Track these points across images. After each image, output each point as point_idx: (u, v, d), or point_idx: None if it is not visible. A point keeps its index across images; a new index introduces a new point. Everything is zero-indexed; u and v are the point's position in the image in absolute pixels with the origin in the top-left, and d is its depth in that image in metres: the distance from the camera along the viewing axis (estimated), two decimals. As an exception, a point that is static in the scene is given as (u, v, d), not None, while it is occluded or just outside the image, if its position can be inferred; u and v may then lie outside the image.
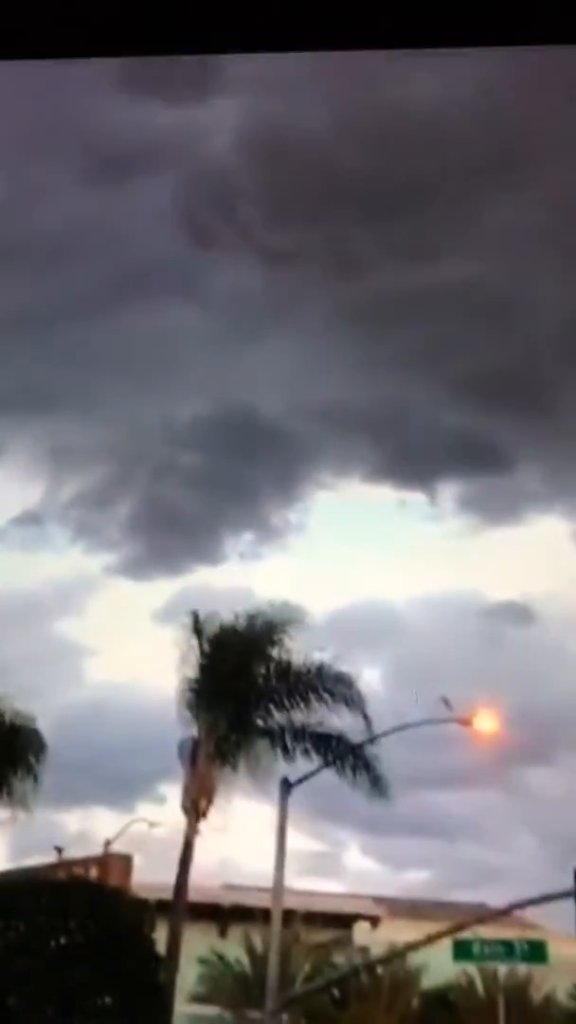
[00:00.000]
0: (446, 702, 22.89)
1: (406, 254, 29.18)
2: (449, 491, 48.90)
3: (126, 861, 30.78)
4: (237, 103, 26.24)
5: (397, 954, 26.26)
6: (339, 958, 28.56)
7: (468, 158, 25.47)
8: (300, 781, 22.71)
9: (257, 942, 26.52)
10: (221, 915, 29.57)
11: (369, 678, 31.60)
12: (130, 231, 30.35)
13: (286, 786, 22.48)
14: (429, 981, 28.61)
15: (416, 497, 51.87)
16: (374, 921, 31.16)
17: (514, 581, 44.44)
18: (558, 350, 31.89)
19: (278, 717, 23.81)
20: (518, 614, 39.88)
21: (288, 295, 30.19)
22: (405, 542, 39.78)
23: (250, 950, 27.12)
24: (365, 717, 22.97)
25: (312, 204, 27.96)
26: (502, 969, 28.31)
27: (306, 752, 23.61)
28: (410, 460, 36.95)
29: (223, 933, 29.58)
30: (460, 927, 24.60)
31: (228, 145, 27.92)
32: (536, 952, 26.17)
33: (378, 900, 32.48)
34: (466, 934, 25.31)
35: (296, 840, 29.28)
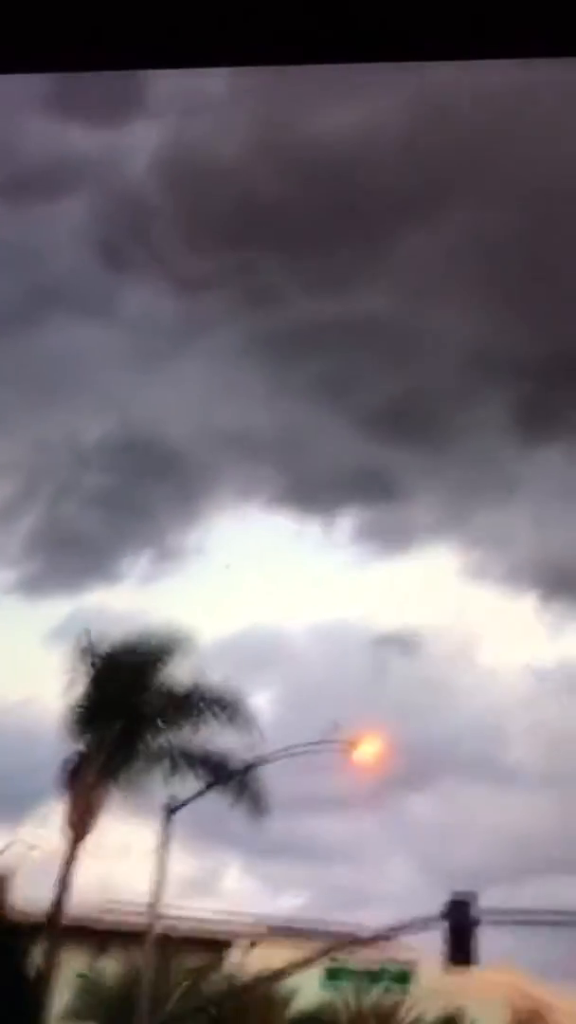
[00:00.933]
0: (335, 727, 23.38)
1: (318, 285, 29.84)
2: (345, 522, 49.59)
3: (3, 881, 30.42)
4: (157, 126, 26.65)
5: (270, 978, 26.45)
6: (214, 980, 28.60)
7: (383, 190, 26.22)
8: (183, 804, 22.91)
9: (132, 964, 26.46)
10: (98, 936, 29.43)
11: (258, 702, 31.96)
12: (44, 250, 30.39)
13: (169, 809, 22.67)
14: (300, 1005, 28.83)
15: (312, 527, 52.61)
16: (250, 944, 31.28)
17: (403, 613, 45.51)
18: (456, 385, 32.91)
19: (164, 739, 23.95)
20: (405, 645, 40.81)
21: (199, 322, 30.62)
22: (300, 570, 40.42)
23: (125, 972, 27.04)
24: (255, 735, 23.27)
25: (228, 231, 28.45)
26: (373, 994, 28.72)
27: (190, 774, 23.83)
28: (309, 489, 37.59)
29: (99, 954, 29.44)
30: (330, 950, 24.97)
31: (146, 168, 28.24)
32: (403, 978, 26.64)
33: (255, 922, 32.62)
34: (337, 959, 25.65)
35: (176, 861, 29.42)
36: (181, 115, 26.80)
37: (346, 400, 32.64)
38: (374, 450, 35.38)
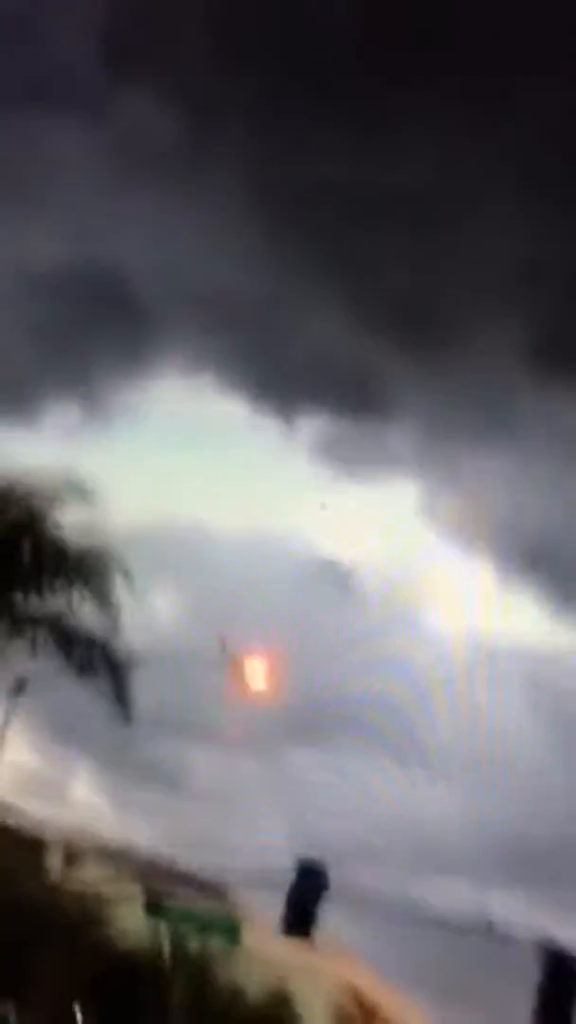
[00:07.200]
0: (222, 643, 20.95)
1: (356, 142, 25.29)
2: (307, 427, 44.06)
3: None
4: None
5: (92, 897, 24.39)
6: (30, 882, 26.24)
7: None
8: (44, 692, 20.26)
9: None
10: None
11: (157, 601, 28.84)
12: (44, 32, 26.52)
13: (17, 687, 19.95)
14: (118, 932, 26.73)
15: (269, 424, 46.42)
16: (73, 857, 28.88)
17: (346, 542, 41.06)
18: (478, 291, 28.41)
19: (34, 604, 21.09)
20: (339, 577, 37.36)
21: (201, 153, 26.53)
22: (243, 469, 36.52)
23: None
24: (114, 622, 20.45)
25: (257, 57, 24.45)
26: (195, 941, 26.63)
27: (53, 653, 21.03)
28: (276, 379, 33.28)
29: None
30: (162, 890, 22.74)
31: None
32: (230, 932, 24.43)
33: (86, 837, 30.21)
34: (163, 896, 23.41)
35: (20, 752, 26.38)
36: None
37: (343, 282, 27.96)
38: (360, 350, 30.49)
